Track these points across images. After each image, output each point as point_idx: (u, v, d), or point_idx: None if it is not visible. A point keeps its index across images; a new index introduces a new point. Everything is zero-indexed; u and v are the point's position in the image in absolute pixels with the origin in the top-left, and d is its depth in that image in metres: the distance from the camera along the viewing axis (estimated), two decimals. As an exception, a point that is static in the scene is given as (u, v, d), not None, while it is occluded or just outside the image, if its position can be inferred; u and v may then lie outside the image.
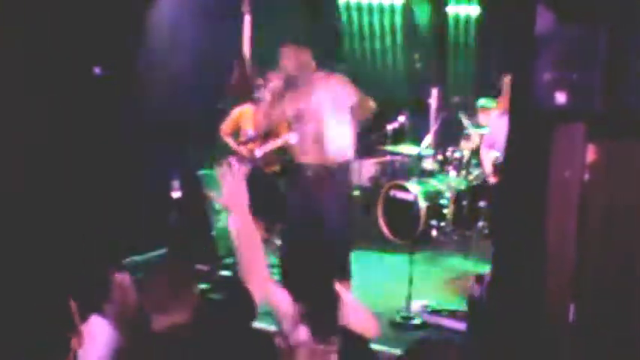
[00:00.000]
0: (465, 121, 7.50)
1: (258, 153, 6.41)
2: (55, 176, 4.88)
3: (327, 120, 5.16)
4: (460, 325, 5.03)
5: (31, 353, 2.70)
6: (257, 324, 4.89)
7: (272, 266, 6.36)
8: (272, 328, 5.07)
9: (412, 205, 7.09)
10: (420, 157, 7.63)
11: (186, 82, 6.73)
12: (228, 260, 6.64)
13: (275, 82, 5.19)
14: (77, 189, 5.04)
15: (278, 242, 6.56)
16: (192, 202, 6.65)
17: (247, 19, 7.37)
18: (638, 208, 3.87)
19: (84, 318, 3.24)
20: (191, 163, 6.92)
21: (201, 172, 6.80)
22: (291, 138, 5.44)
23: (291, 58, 5.21)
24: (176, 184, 6.48)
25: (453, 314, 5.24)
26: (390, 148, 7.99)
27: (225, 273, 6.27)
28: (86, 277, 4.21)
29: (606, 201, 3.91)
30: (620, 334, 3.81)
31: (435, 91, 8.53)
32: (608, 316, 3.86)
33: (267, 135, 6.42)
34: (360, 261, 5.89)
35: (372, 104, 5.35)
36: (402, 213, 7.18)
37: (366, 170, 8.23)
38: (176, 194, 6.47)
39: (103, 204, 5.33)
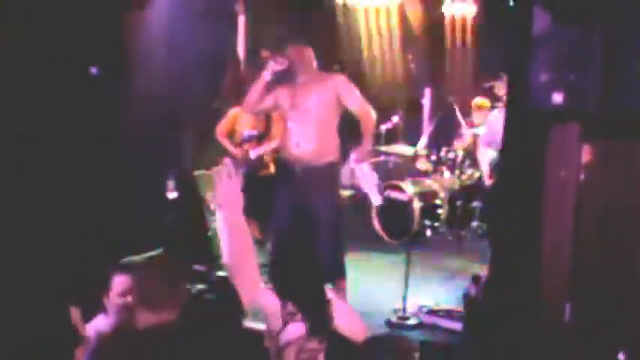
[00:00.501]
0: (462, 121, 7.54)
1: (253, 155, 6.41)
2: (51, 176, 4.87)
3: (318, 119, 5.15)
4: (456, 325, 5.05)
5: None
6: (248, 323, 4.96)
7: (264, 266, 6.40)
8: (262, 326, 5.11)
9: (406, 205, 7.11)
10: (414, 157, 7.65)
11: (181, 83, 6.73)
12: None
13: (280, 65, 5.15)
14: (73, 189, 5.02)
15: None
16: (188, 202, 6.65)
17: (241, 20, 7.37)
18: (634, 208, 3.89)
19: (86, 319, 3.25)
20: (187, 164, 6.92)
21: (197, 172, 6.80)
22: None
23: (295, 54, 5.20)
24: (172, 184, 6.49)
25: (449, 314, 5.26)
26: (383, 148, 8.00)
27: (221, 273, 6.26)
28: (84, 277, 4.22)
29: (602, 201, 3.94)
30: (616, 333, 3.83)
31: (428, 91, 8.56)
32: (604, 315, 3.88)
33: (262, 137, 6.42)
34: (356, 261, 5.90)
35: (372, 113, 5.29)
36: (396, 213, 7.19)
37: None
38: (172, 195, 6.48)
39: (99, 204, 5.31)
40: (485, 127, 6.92)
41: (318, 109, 5.13)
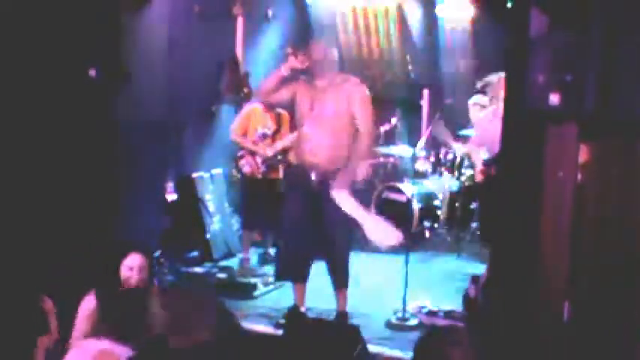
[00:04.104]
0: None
1: (270, 152, 6.40)
2: (50, 178, 4.87)
3: (335, 127, 5.10)
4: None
5: None
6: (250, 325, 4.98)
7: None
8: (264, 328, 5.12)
9: (405, 206, 7.12)
10: (413, 159, 7.66)
11: (180, 85, 6.73)
12: (224, 263, 6.66)
13: (299, 63, 5.07)
14: (72, 191, 5.03)
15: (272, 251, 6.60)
16: (186, 204, 6.65)
17: (240, 22, 7.39)
18: (631, 207, 3.90)
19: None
20: (185, 166, 6.92)
21: (196, 174, 6.81)
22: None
23: (318, 54, 5.11)
24: (170, 186, 6.50)
25: (449, 315, 5.27)
26: (382, 149, 8.01)
27: (221, 276, 6.27)
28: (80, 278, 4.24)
29: (599, 201, 3.95)
30: (614, 332, 3.84)
31: (426, 93, 8.57)
32: (602, 314, 3.89)
33: (276, 133, 6.42)
34: (355, 262, 5.90)
35: (370, 140, 5.23)
36: (396, 214, 7.20)
37: (357, 171, 8.23)
38: (171, 197, 6.49)
39: (98, 206, 5.32)
40: (476, 127, 6.89)
41: (336, 117, 5.03)
